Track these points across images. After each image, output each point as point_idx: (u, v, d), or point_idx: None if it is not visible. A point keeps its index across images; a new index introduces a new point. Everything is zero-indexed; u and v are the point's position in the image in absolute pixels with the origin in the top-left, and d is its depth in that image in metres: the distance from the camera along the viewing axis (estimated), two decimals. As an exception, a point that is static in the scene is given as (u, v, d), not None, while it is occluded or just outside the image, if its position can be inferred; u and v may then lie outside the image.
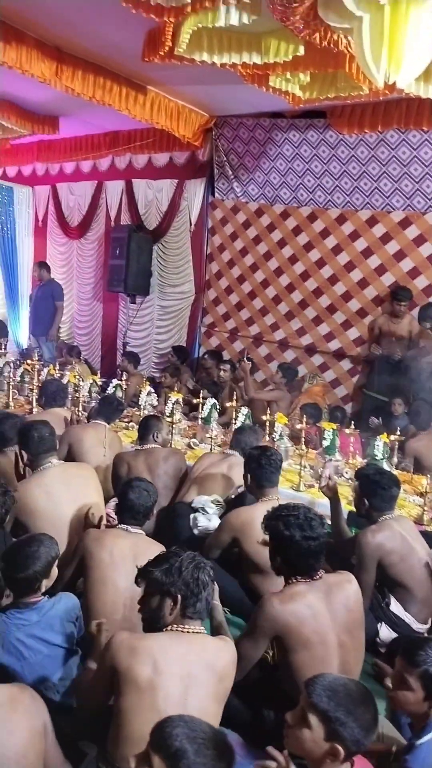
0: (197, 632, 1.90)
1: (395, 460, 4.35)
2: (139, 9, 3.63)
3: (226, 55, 4.22)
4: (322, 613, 2.12)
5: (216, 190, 7.20)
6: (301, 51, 3.93)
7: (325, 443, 4.20)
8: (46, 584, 2.23)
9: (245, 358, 6.10)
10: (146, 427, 3.84)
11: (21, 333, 8.57)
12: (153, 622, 1.90)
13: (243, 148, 6.86)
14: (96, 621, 2.18)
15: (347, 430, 4.56)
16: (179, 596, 1.87)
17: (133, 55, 4.69)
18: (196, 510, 3.46)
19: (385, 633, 2.77)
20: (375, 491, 2.89)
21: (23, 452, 3.11)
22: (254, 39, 4.11)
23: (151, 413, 4.93)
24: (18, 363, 6.21)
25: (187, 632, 1.88)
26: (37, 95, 6.37)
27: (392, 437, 4.27)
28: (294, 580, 2.19)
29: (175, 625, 1.88)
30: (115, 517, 2.96)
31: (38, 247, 8.91)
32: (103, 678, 1.86)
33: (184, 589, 1.87)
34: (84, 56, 5.31)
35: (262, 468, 3.06)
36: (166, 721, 1.42)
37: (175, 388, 6.15)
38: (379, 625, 2.78)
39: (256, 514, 2.87)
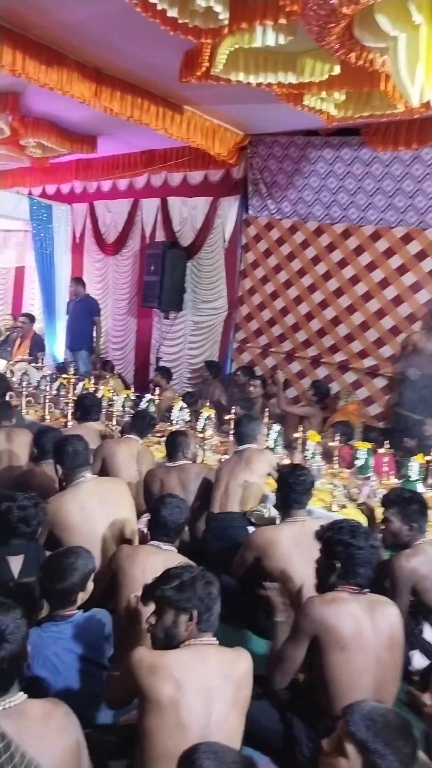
0: (211, 644, 1.90)
1: (430, 481, 4.26)
2: (177, 31, 3.71)
3: (262, 74, 4.27)
4: (364, 623, 2.11)
5: (250, 207, 7.24)
6: (337, 70, 3.95)
7: (359, 463, 4.14)
8: (82, 597, 2.24)
9: (279, 371, 6.09)
10: (174, 444, 3.84)
11: (57, 347, 8.71)
12: (169, 639, 1.89)
13: (277, 165, 6.90)
14: (133, 595, 2.18)
15: (381, 450, 4.49)
16: (195, 612, 1.87)
17: (170, 75, 4.78)
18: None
19: (419, 661, 2.71)
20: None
21: (57, 466, 3.15)
22: (290, 59, 4.15)
23: (181, 428, 4.95)
24: (54, 377, 6.31)
25: (203, 645, 1.89)
26: (76, 115, 6.53)
27: (427, 458, 4.19)
28: (339, 589, 2.18)
29: (191, 640, 1.89)
30: (147, 533, 2.97)
31: (75, 263, 9.08)
32: (127, 691, 1.89)
33: (198, 604, 1.88)
34: (122, 77, 5.43)
35: (290, 488, 3.03)
36: (194, 751, 1.40)
37: (206, 404, 6.16)
38: (411, 653, 2.72)
39: (279, 534, 2.87)
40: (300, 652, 2.17)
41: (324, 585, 2.27)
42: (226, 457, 4.70)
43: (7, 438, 4.10)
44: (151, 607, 1.95)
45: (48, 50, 4.86)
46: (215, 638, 1.92)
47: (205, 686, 1.79)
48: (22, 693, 1.60)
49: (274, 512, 3.37)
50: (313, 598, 2.19)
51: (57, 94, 5.17)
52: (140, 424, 4.28)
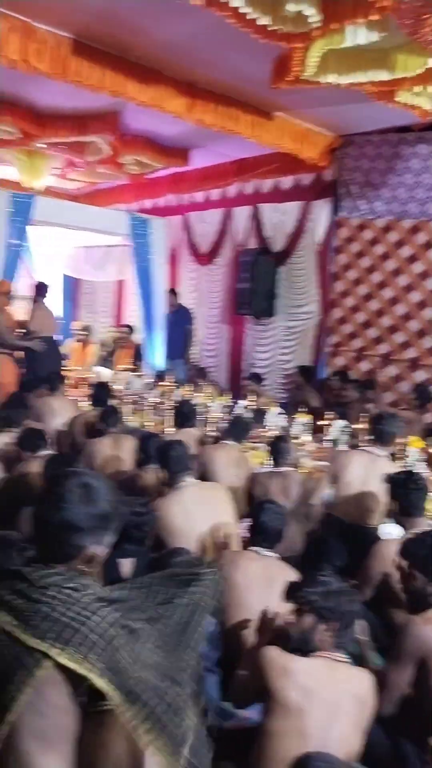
0: (343, 661, 1.88)
1: None
2: (268, 38, 3.75)
3: (353, 74, 4.23)
4: None
5: (341, 209, 7.13)
6: (431, 63, 3.84)
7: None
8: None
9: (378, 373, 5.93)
10: (278, 449, 3.83)
11: (156, 356, 8.98)
12: (302, 644, 1.88)
13: (369, 165, 6.75)
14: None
15: None
16: (334, 624, 1.85)
17: (260, 83, 4.83)
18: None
19: None
20: None
21: (161, 471, 3.25)
22: (381, 56, 4.07)
23: (280, 434, 4.94)
24: (154, 385, 6.50)
25: (335, 660, 1.86)
26: (170, 130, 6.74)
27: None
28: None
29: (324, 652, 1.87)
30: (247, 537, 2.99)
31: (171, 274, 9.32)
32: (254, 689, 1.89)
33: (339, 617, 1.85)
34: (214, 89, 5.55)
35: (408, 492, 2.87)
36: (309, 758, 1.40)
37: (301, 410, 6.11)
38: None
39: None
40: (405, 677, 2.05)
41: (418, 602, 2.16)
42: (324, 463, 4.65)
43: (114, 443, 4.28)
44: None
45: (145, 69, 5.06)
46: (347, 656, 1.89)
47: (332, 700, 1.78)
48: None
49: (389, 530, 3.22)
50: (413, 618, 2.07)
51: (153, 111, 5.37)
52: (237, 429, 4.33)
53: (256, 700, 1.92)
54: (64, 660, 1.11)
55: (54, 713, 1.12)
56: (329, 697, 1.77)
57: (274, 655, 1.83)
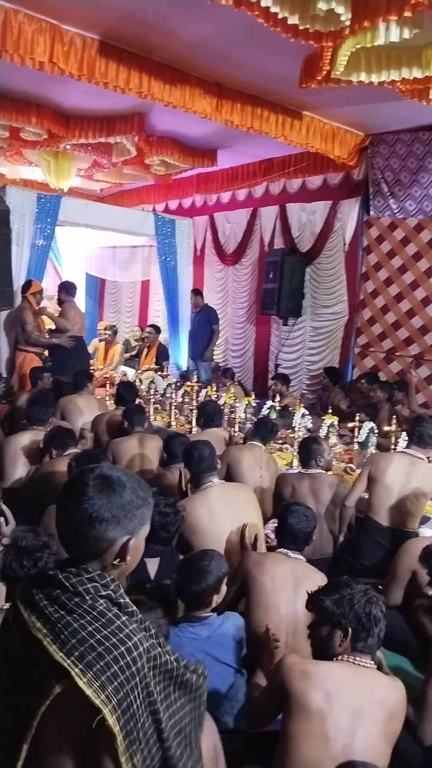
0: (367, 667, 1.84)
1: None
2: (298, 37, 3.71)
3: (385, 72, 4.17)
4: None
5: (371, 208, 7.04)
6: (467, 59, 3.76)
7: None
8: (216, 599, 2.29)
9: (412, 371, 5.83)
10: (308, 452, 3.76)
11: (181, 356, 9.00)
12: (322, 650, 1.86)
13: (400, 163, 6.65)
14: (272, 633, 2.18)
15: None
16: (350, 629, 1.82)
17: (288, 82, 4.79)
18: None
19: None
20: None
21: (186, 470, 3.25)
22: (414, 53, 4.01)
23: (308, 436, 4.89)
24: (178, 384, 6.51)
25: (358, 665, 1.83)
26: (197, 131, 6.74)
27: None
28: None
29: (345, 656, 1.84)
30: (273, 538, 2.97)
31: (196, 274, 9.33)
32: (273, 696, 1.87)
33: (354, 623, 1.82)
34: (242, 89, 5.52)
35: None
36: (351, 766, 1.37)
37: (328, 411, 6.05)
38: None
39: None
40: None
41: None
42: (351, 466, 4.60)
43: (140, 443, 4.29)
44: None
45: (171, 69, 5.05)
46: (373, 663, 1.85)
47: (354, 705, 1.75)
48: None
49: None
50: None
51: (180, 111, 5.36)
52: (263, 430, 4.29)
53: (270, 719, 1.90)
54: (82, 685, 1.08)
55: (71, 729, 1.11)
56: (351, 701, 1.75)
57: (295, 660, 1.82)
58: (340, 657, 1.84)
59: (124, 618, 1.16)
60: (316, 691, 1.74)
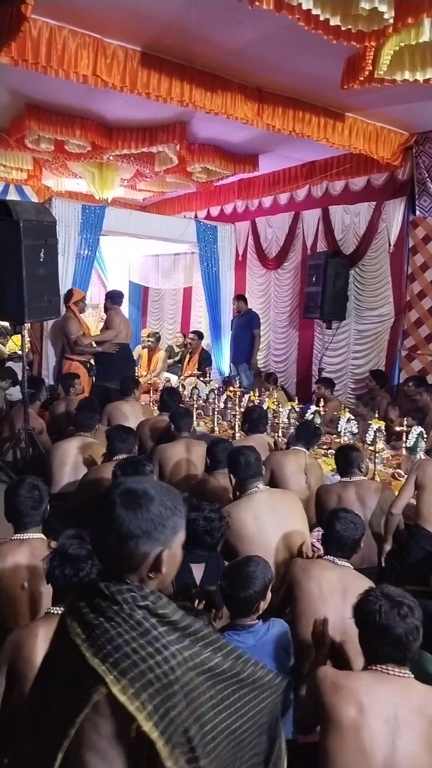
0: (403, 676, 1.79)
1: None
2: (340, 39, 3.68)
3: (430, 69, 4.08)
4: None
5: (417, 208, 6.91)
6: None
7: None
8: (262, 606, 2.27)
9: None
10: (349, 459, 3.69)
11: (223, 361, 9.02)
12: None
13: (446, 162, 6.51)
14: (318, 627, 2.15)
15: None
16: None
17: (330, 84, 4.75)
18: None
19: None
20: None
21: (231, 476, 3.24)
22: (460, 48, 3.91)
23: (351, 441, 4.82)
24: (221, 390, 6.52)
25: (392, 674, 1.79)
26: (238, 136, 6.75)
27: None
28: None
29: (379, 666, 1.80)
30: (319, 546, 2.92)
31: (238, 279, 9.33)
32: (312, 708, 1.85)
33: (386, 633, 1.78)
34: (283, 93, 5.50)
35: None
36: None
37: (375, 415, 5.94)
38: None
39: None
40: None
41: None
42: (399, 471, 4.50)
43: (186, 448, 4.32)
44: None
45: (212, 77, 5.08)
46: (408, 672, 1.81)
47: (390, 715, 1.71)
48: None
49: None
50: None
51: (221, 118, 5.38)
52: (305, 434, 4.24)
53: (316, 725, 1.88)
54: (117, 692, 1.09)
55: (110, 735, 1.11)
56: (386, 711, 1.71)
57: (328, 672, 1.81)
58: (373, 667, 1.81)
59: (161, 629, 1.18)
60: (348, 703, 1.72)
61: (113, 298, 7.31)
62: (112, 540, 1.21)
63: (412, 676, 1.82)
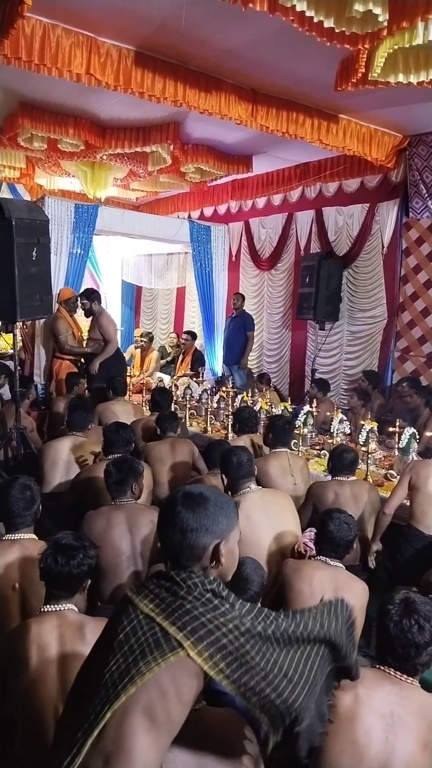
0: (404, 680, 1.81)
1: None
2: (334, 41, 3.68)
3: (423, 72, 4.10)
4: None
5: (410, 210, 6.93)
6: None
7: None
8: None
9: None
10: (347, 459, 3.70)
11: (216, 362, 9.02)
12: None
13: (439, 164, 6.54)
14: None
15: None
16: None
17: (324, 86, 4.76)
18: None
19: None
20: None
21: (223, 476, 3.23)
22: (454, 51, 3.93)
23: (343, 442, 4.83)
24: (214, 390, 6.51)
25: (393, 677, 1.81)
26: (232, 137, 6.75)
27: None
28: None
29: (383, 667, 1.83)
30: (312, 547, 2.92)
31: (232, 280, 9.34)
32: None
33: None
34: (277, 94, 5.50)
35: None
36: None
37: (369, 416, 5.95)
38: None
39: None
40: None
41: None
42: (392, 472, 4.51)
43: (172, 447, 4.33)
44: None
45: (206, 77, 5.07)
46: (415, 680, 1.82)
47: (385, 711, 1.73)
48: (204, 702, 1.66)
49: None
50: None
51: (215, 118, 5.38)
52: (278, 433, 4.03)
53: None
54: (194, 655, 1.26)
55: (171, 700, 1.27)
56: (381, 707, 1.74)
57: None
58: (377, 666, 1.83)
59: (227, 605, 1.36)
60: (345, 692, 1.73)
61: (98, 299, 6.83)
62: (176, 535, 1.42)
63: (417, 684, 1.83)
